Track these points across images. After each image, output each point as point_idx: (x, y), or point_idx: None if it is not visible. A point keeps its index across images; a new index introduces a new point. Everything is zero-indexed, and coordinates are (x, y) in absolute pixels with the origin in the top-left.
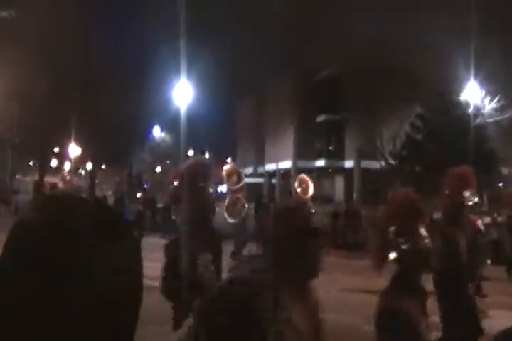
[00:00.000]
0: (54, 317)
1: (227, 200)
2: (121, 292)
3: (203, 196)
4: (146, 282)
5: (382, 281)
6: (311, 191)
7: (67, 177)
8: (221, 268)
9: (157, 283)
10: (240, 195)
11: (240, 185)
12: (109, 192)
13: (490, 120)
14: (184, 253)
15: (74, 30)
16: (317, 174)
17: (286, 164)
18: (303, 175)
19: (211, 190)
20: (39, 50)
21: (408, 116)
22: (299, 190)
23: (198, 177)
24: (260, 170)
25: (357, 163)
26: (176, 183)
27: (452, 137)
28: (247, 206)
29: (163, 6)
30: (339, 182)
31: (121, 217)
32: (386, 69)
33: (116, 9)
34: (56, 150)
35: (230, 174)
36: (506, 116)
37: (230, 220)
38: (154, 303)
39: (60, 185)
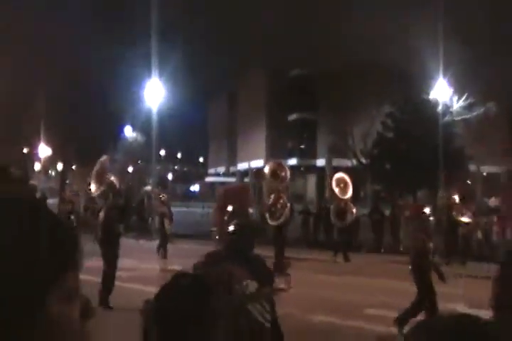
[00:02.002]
0: None
1: (270, 201)
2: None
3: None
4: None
5: (362, 279)
6: (350, 191)
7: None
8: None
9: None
10: (283, 195)
11: (285, 183)
12: (81, 193)
13: (458, 118)
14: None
15: (43, 29)
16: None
17: (258, 163)
18: (341, 174)
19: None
20: (5, 49)
21: (379, 115)
22: (336, 190)
23: (245, 200)
24: (232, 169)
25: (329, 161)
26: (229, 208)
27: (422, 135)
28: (288, 206)
29: (133, 5)
30: (311, 181)
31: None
32: (357, 69)
33: (88, 8)
34: (25, 151)
35: (274, 171)
36: (474, 113)
37: (272, 223)
38: (120, 302)
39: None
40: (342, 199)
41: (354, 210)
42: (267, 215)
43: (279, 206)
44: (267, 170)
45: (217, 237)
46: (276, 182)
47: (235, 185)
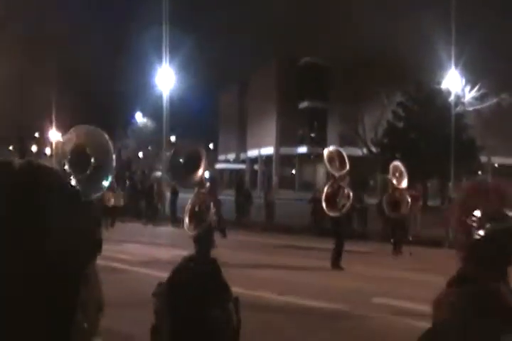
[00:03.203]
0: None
1: (326, 189)
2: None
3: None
4: (121, 266)
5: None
6: (406, 180)
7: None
8: None
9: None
10: (343, 184)
11: (344, 171)
12: None
13: (470, 109)
14: None
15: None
16: (299, 161)
17: (268, 150)
18: (397, 163)
19: None
20: (14, 35)
21: (390, 104)
22: (394, 181)
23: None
24: (242, 156)
25: None
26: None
27: (433, 125)
28: (351, 196)
29: None
30: (321, 169)
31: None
32: (369, 58)
33: None
34: (36, 135)
35: (332, 158)
36: (486, 104)
37: (331, 214)
38: (132, 286)
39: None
40: (397, 189)
41: (409, 200)
42: (324, 205)
43: (340, 196)
44: (325, 156)
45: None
46: (335, 169)
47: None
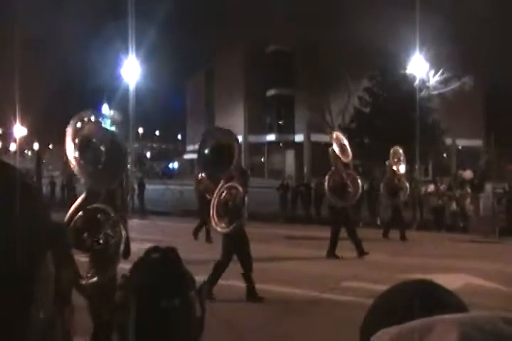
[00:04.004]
0: None
1: (330, 178)
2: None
3: None
4: None
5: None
6: (404, 164)
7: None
8: None
9: None
10: (351, 171)
11: (350, 158)
12: (57, 173)
13: (434, 92)
14: None
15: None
16: (268, 148)
17: None
18: (396, 147)
19: None
20: None
21: (356, 90)
22: (394, 167)
23: None
24: None
25: (307, 137)
26: None
27: (399, 110)
28: (360, 184)
29: None
30: (290, 156)
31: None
32: (335, 44)
33: None
34: None
35: (340, 143)
36: (450, 88)
37: (340, 204)
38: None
39: None
40: (396, 175)
41: (408, 186)
42: (329, 194)
43: (350, 184)
44: (334, 143)
45: None
46: (344, 156)
47: None
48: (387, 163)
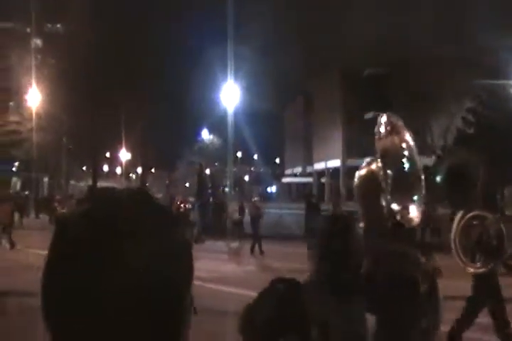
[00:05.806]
0: (96, 305)
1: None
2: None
3: None
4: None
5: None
6: None
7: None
8: None
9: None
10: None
11: None
12: (160, 195)
13: None
14: None
15: (118, 36)
16: None
17: (335, 163)
18: None
19: None
20: (86, 59)
21: (459, 111)
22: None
23: None
24: (309, 169)
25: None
26: None
27: (505, 130)
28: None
29: (211, 6)
30: None
31: (166, 208)
32: (434, 63)
33: (161, 10)
34: (107, 155)
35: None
36: None
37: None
38: (205, 303)
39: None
40: None
41: None
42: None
43: None
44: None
45: None
46: None
47: None
48: None
